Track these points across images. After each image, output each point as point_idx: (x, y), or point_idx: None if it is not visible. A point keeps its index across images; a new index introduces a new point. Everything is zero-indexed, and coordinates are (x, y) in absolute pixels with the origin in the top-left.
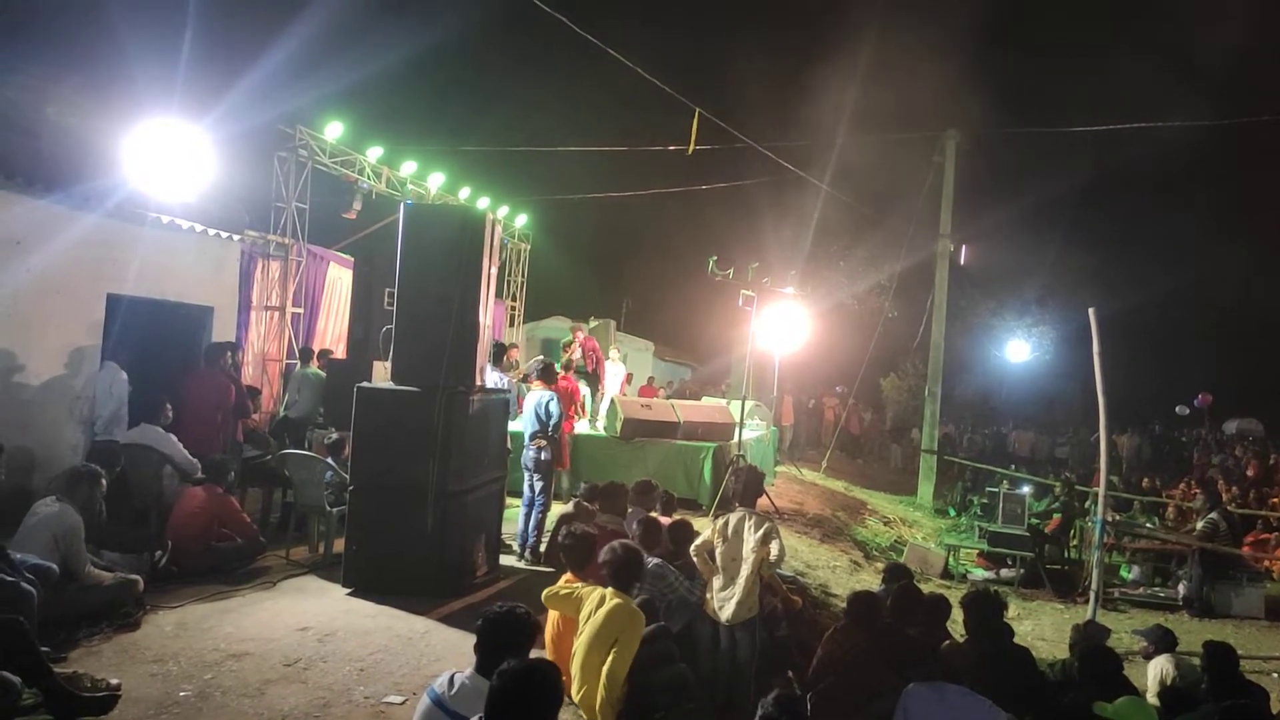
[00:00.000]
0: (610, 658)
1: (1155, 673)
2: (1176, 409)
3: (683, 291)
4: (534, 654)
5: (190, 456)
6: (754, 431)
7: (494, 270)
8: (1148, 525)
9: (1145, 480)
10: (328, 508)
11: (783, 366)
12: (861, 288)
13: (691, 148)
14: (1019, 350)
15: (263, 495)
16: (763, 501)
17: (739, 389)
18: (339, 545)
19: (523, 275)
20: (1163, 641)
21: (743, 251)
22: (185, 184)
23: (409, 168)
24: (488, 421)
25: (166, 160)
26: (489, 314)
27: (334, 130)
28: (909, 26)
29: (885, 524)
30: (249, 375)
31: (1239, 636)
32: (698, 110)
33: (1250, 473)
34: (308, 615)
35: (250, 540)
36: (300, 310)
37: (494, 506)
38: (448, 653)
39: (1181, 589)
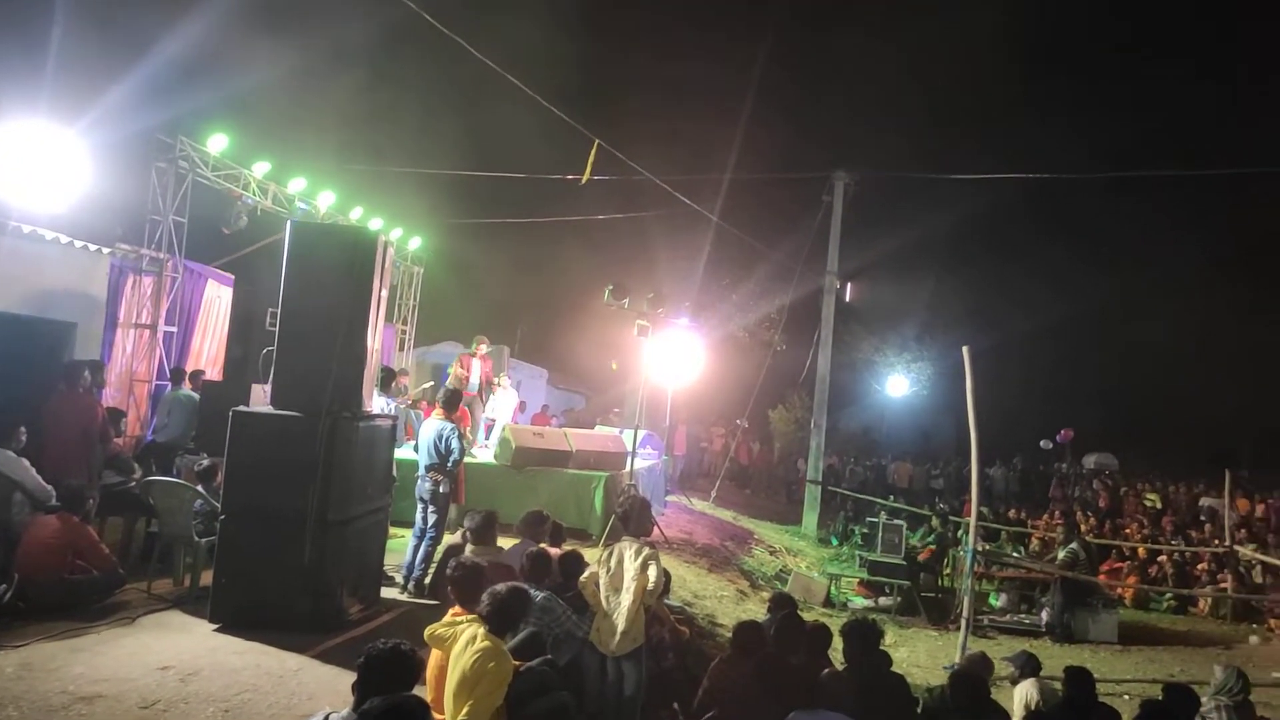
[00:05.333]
0: (470, 705)
1: (1021, 697)
2: (1041, 443)
3: (578, 319)
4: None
5: (44, 483)
6: (646, 461)
7: (385, 293)
8: (1014, 554)
9: (1012, 511)
10: (196, 538)
11: (676, 396)
12: (752, 320)
13: (586, 177)
14: (899, 385)
15: (124, 525)
16: (653, 532)
17: (631, 418)
18: (207, 578)
19: (415, 299)
20: (1028, 666)
21: (638, 281)
22: (52, 192)
23: (298, 184)
24: (373, 449)
25: (32, 166)
26: (378, 337)
27: (218, 142)
28: (806, 73)
29: (771, 553)
30: (112, 396)
31: (1095, 660)
32: (596, 141)
33: (1102, 504)
34: (169, 653)
35: (108, 573)
36: (173, 329)
37: (377, 537)
38: (322, 691)
39: (1044, 615)
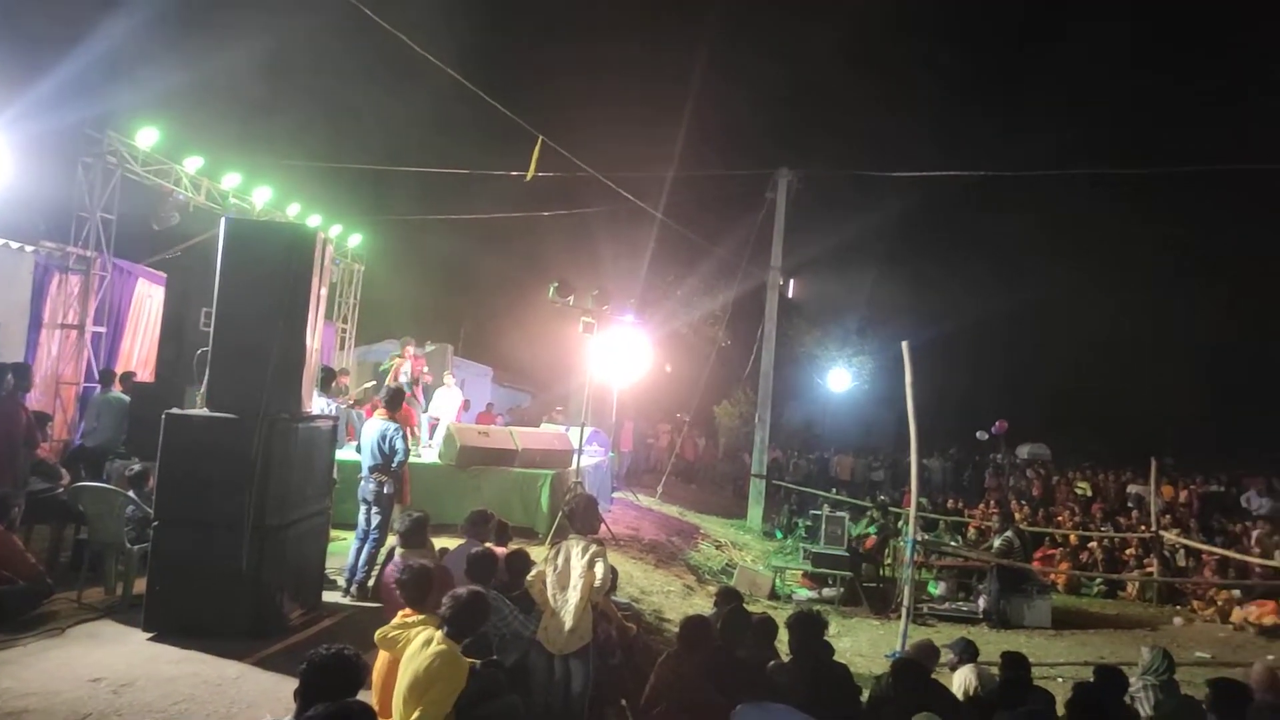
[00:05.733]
0: (420, 709)
1: (960, 682)
2: (977, 434)
3: (523, 317)
4: (362, 697)
5: None
6: (593, 458)
7: (324, 291)
8: (952, 543)
9: (950, 501)
10: (128, 545)
11: (622, 393)
12: (696, 316)
13: (531, 173)
14: (841, 379)
15: (51, 533)
16: (600, 529)
17: (576, 415)
18: (140, 586)
19: (355, 297)
20: (966, 653)
21: (583, 278)
22: None
23: (232, 180)
24: (313, 450)
25: None
26: (318, 337)
27: (148, 136)
28: (750, 72)
29: (717, 548)
30: (38, 400)
31: (1030, 645)
32: (540, 138)
33: (1036, 493)
34: (101, 664)
35: (34, 582)
36: (102, 329)
37: (318, 540)
38: (263, 699)
39: (982, 602)
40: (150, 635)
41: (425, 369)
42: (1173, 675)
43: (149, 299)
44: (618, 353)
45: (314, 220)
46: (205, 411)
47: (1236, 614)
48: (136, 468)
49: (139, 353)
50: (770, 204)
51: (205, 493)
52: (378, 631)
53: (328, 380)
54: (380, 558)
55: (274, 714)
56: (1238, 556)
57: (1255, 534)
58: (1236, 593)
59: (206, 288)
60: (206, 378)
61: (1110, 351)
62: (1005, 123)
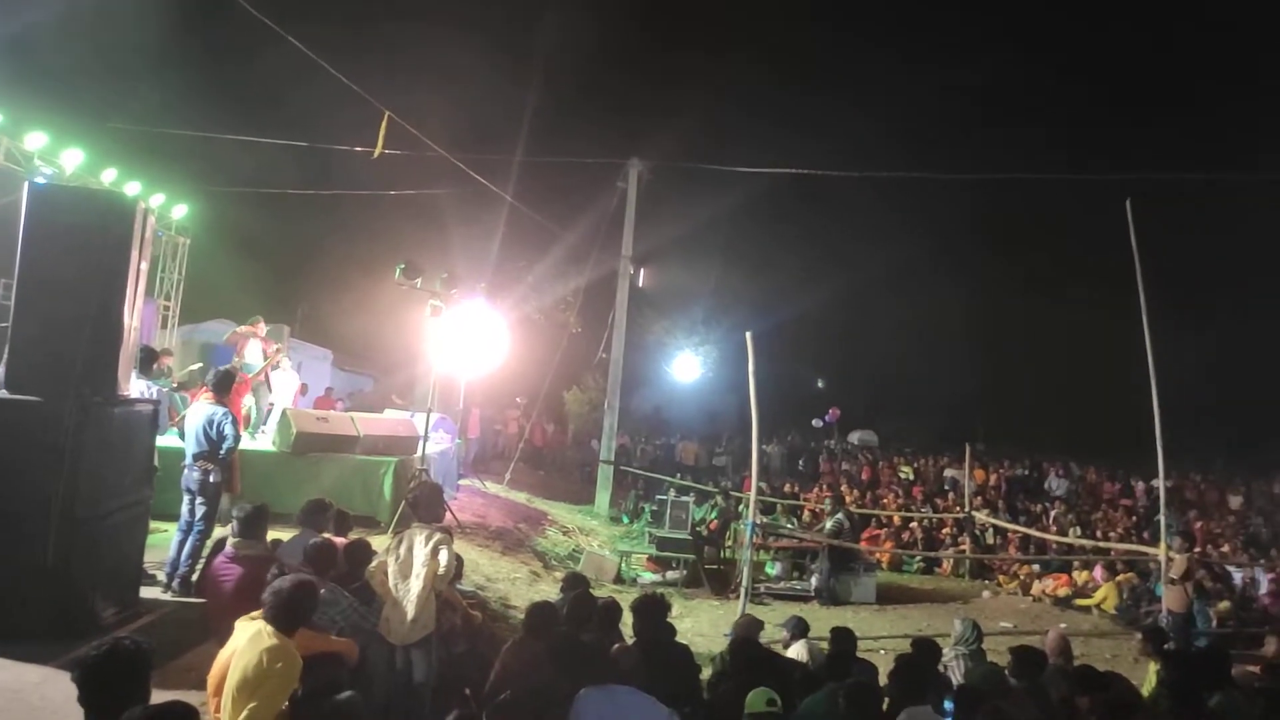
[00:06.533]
0: (251, 706)
1: (792, 657)
2: (813, 422)
3: (366, 298)
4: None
5: None
6: (439, 445)
7: (145, 265)
8: (788, 526)
9: (787, 485)
10: None
11: (470, 379)
12: (547, 302)
13: (379, 150)
14: (687, 367)
15: None
16: (445, 516)
17: (423, 400)
18: None
19: (180, 273)
20: (798, 630)
21: (432, 261)
22: None
23: (37, 140)
24: (131, 436)
25: None
26: (137, 314)
27: None
28: (604, 61)
29: (565, 534)
30: None
31: (857, 620)
32: (386, 113)
33: (864, 477)
34: None
35: None
36: None
37: (135, 532)
38: (69, 705)
39: (814, 581)
40: None
41: (278, 348)
42: (981, 645)
43: None
44: (466, 337)
45: (133, 188)
46: (4, 393)
47: (1036, 587)
48: None
49: None
50: (621, 193)
51: (6, 481)
52: (239, 622)
53: (148, 361)
54: (206, 550)
55: None
56: (1037, 534)
57: (1053, 514)
58: (1036, 567)
59: (5, 258)
60: (6, 356)
61: (930, 342)
62: (837, 117)
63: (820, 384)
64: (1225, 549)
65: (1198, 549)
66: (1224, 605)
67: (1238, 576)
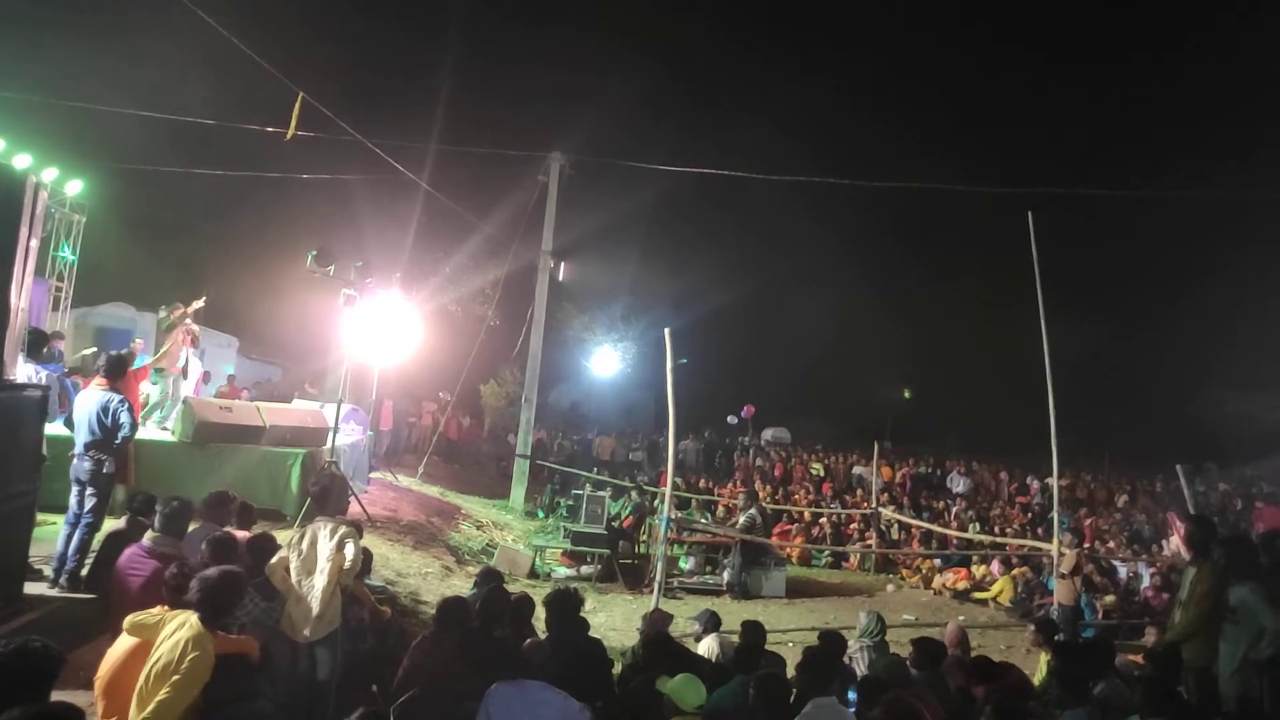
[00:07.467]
0: (164, 691)
1: (704, 651)
2: (728, 419)
3: (276, 285)
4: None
5: None
6: (350, 437)
7: (35, 243)
8: (702, 520)
9: (701, 481)
10: None
11: (383, 370)
12: (465, 293)
13: (291, 132)
14: (606, 362)
15: None
16: (354, 509)
17: (334, 391)
18: None
19: (74, 252)
20: (710, 623)
21: (345, 248)
22: None
23: None
24: (17, 423)
25: None
26: (25, 295)
27: None
28: (524, 54)
29: (478, 528)
30: None
31: (767, 614)
32: (301, 94)
33: (776, 473)
34: None
35: None
36: None
37: (20, 525)
38: None
39: (726, 575)
40: None
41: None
42: (884, 637)
43: None
44: (380, 328)
45: (23, 161)
46: None
47: (937, 580)
48: None
49: None
50: (542, 187)
51: None
52: (130, 617)
53: (38, 344)
54: (96, 543)
55: None
56: (939, 530)
57: (955, 510)
58: (938, 562)
59: None
60: None
61: (842, 343)
62: (754, 121)
63: (735, 383)
64: (1111, 545)
65: (1086, 545)
66: (1109, 599)
67: (1122, 571)
